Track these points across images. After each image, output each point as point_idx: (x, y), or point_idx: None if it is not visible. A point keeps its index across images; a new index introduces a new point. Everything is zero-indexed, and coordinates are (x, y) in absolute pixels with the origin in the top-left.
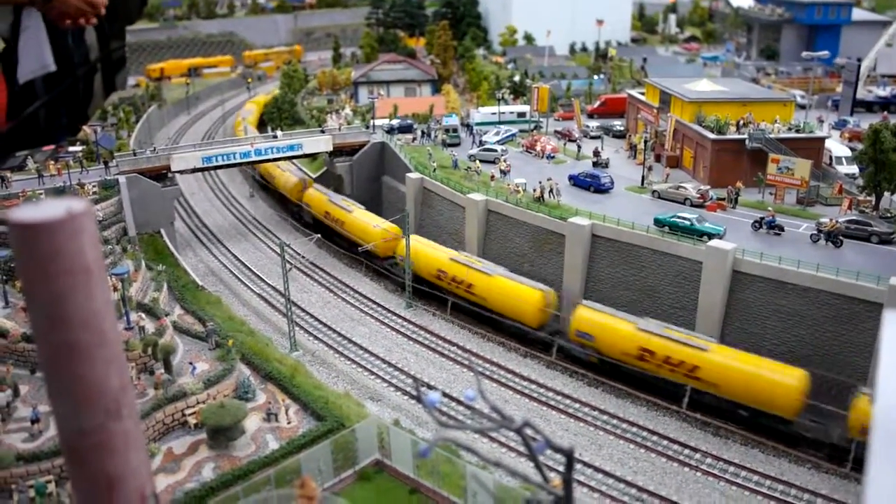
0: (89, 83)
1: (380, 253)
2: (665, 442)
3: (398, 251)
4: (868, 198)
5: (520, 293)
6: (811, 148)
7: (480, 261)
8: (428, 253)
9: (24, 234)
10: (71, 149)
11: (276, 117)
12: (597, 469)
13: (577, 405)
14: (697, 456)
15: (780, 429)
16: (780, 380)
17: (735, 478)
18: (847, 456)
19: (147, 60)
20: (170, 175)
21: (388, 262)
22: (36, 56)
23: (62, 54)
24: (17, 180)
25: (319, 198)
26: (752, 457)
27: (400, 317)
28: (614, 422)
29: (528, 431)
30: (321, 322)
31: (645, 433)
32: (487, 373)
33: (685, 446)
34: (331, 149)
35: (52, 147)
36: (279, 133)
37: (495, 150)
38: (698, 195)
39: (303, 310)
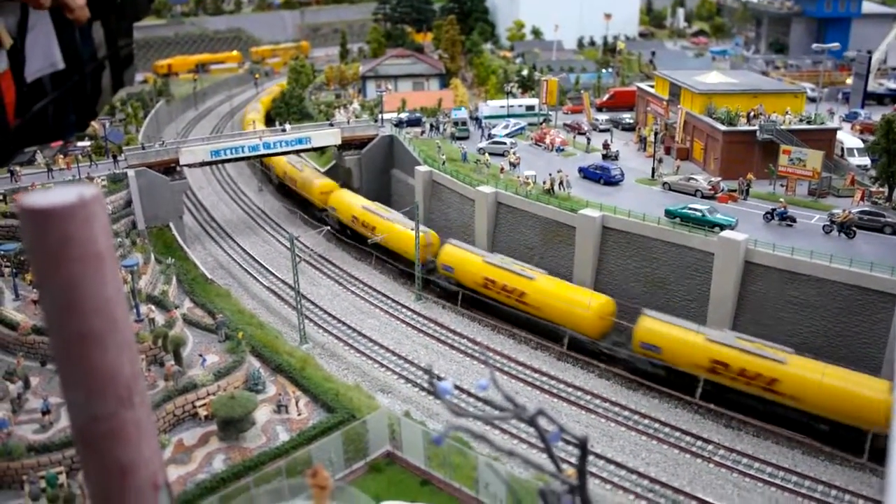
0: (97, 80)
1: (317, 204)
2: (677, 433)
3: (329, 203)
4: (881, 189)
5: (407, 235)
6: (823, 139)
7: (385, 209)
8: (347, 202)
9: (36, 221)
10: (79, 144)
11: (283, 112)
12: (609, 460)
13: (588, 397)
14: (710, 447)
15: (589, 348)
16: (583, 301)
17: (748, 469)
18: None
19: (154, 57)
20: (178, 169)
21: (322, 213)
22: (44, 54)
23: (70, 51)
24: (26, 174)
25: (281, 161)
26: (765, 448)
27: (410, 309)
28: (626, 413)
29: (542, 420)
30: (330, 315)
31: (657, 425)
32: (498, 364)
33: (698, 437)
34: (339, 142)
35: (61, 143)
36: (287, 127)
37: (504, 143)
38: (709, 187)
39: (312, 302)
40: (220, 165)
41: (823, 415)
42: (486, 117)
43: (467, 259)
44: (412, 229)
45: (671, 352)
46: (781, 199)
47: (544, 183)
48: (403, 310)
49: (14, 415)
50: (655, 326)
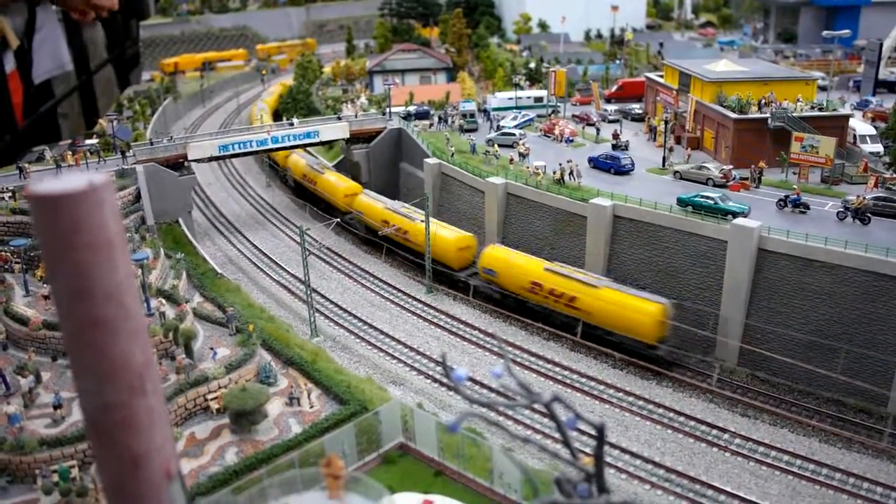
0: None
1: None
2: (692, 423)
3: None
4: (895, 175)
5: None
6: (835, 126)
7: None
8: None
9: (46, 208)
10: (87, 141)
11: (291, 108)
12: (624, 450)
13: (602, 387)
14: (726, 436)
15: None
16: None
17: (765, 458)
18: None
19: (161, 55)
20: (186, 164)
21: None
22: (52, 55)
23: (77, 52)
24: (35, 171)
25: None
26: (782, 437)
27: (420, 301)
28: (640, 403)
29: (558, 406)
30: (341, 308)
31: (672, 414)
32: (511, 355)
33: (713, 427)
34: (347, 136)
35: (69, 141)
36: (295, 121)
37: (513, 134)
38: (721, 175)
39: (322, 296)
40: (228, 161)
41: (419, 250)
42: (495, 109)
43: (295, 162)
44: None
45: (367, 215)
46: (794, 187)
47: (554, 173)
48: (414, 302)
49: (26, 409)
50: (364, 200)
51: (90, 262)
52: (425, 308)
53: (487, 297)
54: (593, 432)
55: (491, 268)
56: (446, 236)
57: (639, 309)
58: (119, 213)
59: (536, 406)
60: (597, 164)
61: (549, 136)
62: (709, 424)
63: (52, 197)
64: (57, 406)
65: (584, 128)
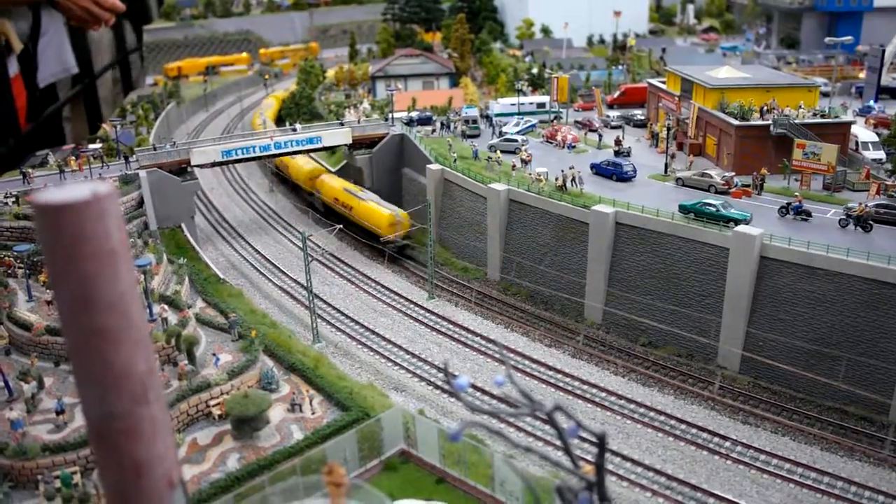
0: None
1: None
2: (694, 430)
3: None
4: None
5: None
6: (837, 133)
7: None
8: None
9: (50, 217)
10: (91, 146)
11: (294, 112)
12: (625, 458)
13: (603, 394)
14: (727, 444)
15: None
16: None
17: (766, 466)
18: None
19: (164, 59)
20: (190, 169)
21: None
22: (57, 58)
23: (81, 55)
24: (38, 176)
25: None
26: (783, 444)
27: (422, 307)
28: (641, 410)
29: (560, 416)
30: (343, 314)
31: (673, 421)
32: (512, 362)
33: (714, 434)
34: (350, 141)
35: (72, 146)
36: (298, 126)
37: (516, 141)
38: (723, 182)
39: (325, 302)
40: (230, 167)
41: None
42: (497, 115)
43: None
44: None
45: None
46: (796, 194)
47: (557, 180)
48: (416, 308)
49: (29, 415)
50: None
51: (93, 271)
52: (427, 314)
53: (319, 211)
54: (595, 440)
55: (319, 190)
56: (304, 166)
57: (377, 213)
58: (122, 222)
59: (538, 414)
60: (599, 170)
61: (551, 143)
62: (710, 432)
63: (56, 206)
64: (59, 411)
65: (586, 134)
